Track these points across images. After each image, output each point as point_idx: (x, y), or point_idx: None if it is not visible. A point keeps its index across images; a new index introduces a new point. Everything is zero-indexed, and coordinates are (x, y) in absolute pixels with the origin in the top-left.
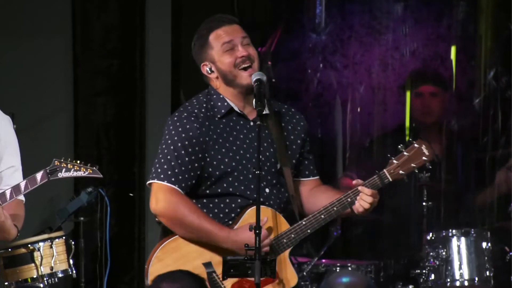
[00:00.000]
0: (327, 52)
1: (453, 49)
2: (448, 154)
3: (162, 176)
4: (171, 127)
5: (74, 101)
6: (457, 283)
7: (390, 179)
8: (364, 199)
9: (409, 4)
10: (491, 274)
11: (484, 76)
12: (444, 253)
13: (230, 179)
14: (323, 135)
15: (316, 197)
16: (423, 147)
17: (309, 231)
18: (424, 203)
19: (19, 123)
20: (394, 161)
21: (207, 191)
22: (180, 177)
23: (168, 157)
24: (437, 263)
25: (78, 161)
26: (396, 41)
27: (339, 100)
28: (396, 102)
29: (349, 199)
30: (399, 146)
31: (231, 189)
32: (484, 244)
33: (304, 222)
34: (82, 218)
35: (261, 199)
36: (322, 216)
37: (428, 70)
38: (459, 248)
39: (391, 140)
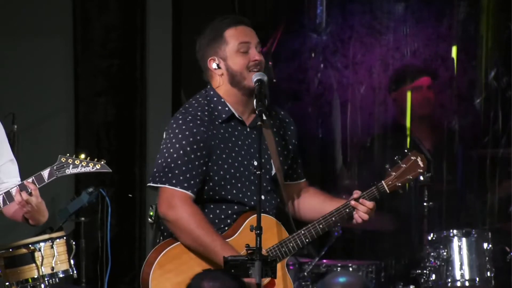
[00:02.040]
0: (327, 52)
1: (454, 49)
2: (449, 154)
3: (174, 181)
4: (176, 130)
5: (74, 101)
6: (458, 284)
7: (388, 191)
8: (363, 211)
9: (410, 4)
10: (492, 275)
11: (485, 76)
12: (445, 254)
13: (228, 186)
14: (323, 135)
15: (309, 200)
16: (419, 159)
17: (307, 240)
18: (425, 204)
19: (19, 123)
20: (392, 172)
21: (205, 196)
22: (192, 182)
23: (179, 161)
24: (438, 263)
25: (83, 156)
26: (397, 41)
27: (339, 100)
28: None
29: (347, 210)
30: (396, 158)
31: (229, 196)
32: (485, 245)
33: (303, 232)
34: (83, 218)
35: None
36: (321, 226)
37: (417, 67)
38: (460, 248)
39: (391, 140)
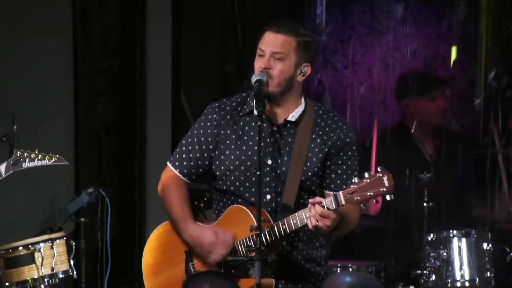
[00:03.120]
0: (327, 52)
1: (453, 49)
2: (448, 154)
3: (171, 158)
4: (198, 118)
5: (74, 101)
6: (458, 284)
7: (343, 203)
8: (313, 216)
9: (410, 4)
10: (492, 275)
11: (485, 76)
12: (444, 254)
13: (232, 177)
14: None
15: None
16: (385, 178)
17: (271, 239)
18: (424, 204)
19: (19, 123)
20: (353, 185)
21: (217, 186)
22: (184, 163)
23: (183, 142)
24: (438, 263)
25: (37, 151)
26: (397, 41)
27: (339, 100)
28: (397, 102)
29: (307, 215)
30: (366, 173)
31: (232, 188)
32: (484, 245)
33: (268, 230)
34: (82, 219)
35: (260, 205)
36: (283, 227)
37: (424, 73)
38: (459, 248)
39: (391, 141)
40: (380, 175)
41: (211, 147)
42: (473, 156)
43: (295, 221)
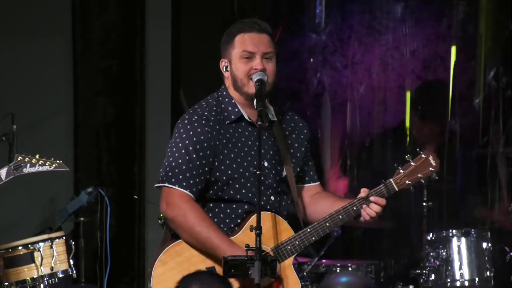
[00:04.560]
0: (327, 52)
1: (453, 49)
2: (448, 154)
3: (173, 180)
4: (181, 130)
5: (74, 101)
6: (458, 283)
7: (396, 189)
8: (371, 208)
9: (409, 4)
10: (492, 274)
11: (484, 76)
12: (444, 253)
13: (237, 185)
14: (322, 135)
15: (318, 203)
16: (430, 158)
17: (314, 238)
18: (424, 203)
19: (19, 123)
20: (401, 170)
21: (214, 196)
22: (191, 182)
23: (180, 160)
24: (437, 263)
25: (38, 156)
26: (396, 41)
27: (339, 100)
28: (396, 102)
29: (354, 208)
30: (406, 156)
31: (238, 196)
32: (484, 244)
33: (309, 230)
34: (82, 218)
35: (268, 207)
36: (328, 224)
37: (437, 89)
38: (459, 248)
39: (391, 140)
40: (425, 156)
41: (211, 159)
42: (473, 156)
43: (340, 216)
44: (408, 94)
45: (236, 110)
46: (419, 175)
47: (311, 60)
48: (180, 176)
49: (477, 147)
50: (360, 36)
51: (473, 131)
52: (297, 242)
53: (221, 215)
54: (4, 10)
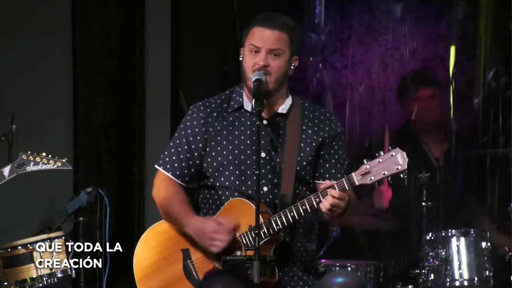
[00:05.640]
0: (326, 52)
1: (452, 49)
2: (447, 154)
3: (161, 162)
4: (183, 119)
5: (73, 101)
6: (457, 283)
7: (357, 183)
8: (327, 200)
9: (409, 4)
10: (491, 274)
11: (484, 76)
12: (443, 253)
13: (227, 172)
14: None
15: None
16: (398, 156)
17: (278, 227)
18: (423, 203)
19: (18, 123)
20: (365, 166)
21: (208, 183)
22: (176, 165)
23: (171, 144)
24: (437, 263)
25: (44, 154)
26: (396, 41)
27: (338, 100)
28: (396, 102)
29: (317, 199)
30: (378, 153)
31: (227, 183)
32: (483, 244)
33: (274, 218)
34: (81, 218)
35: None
36: (292, 214)
37: (423, 72)
38: (458, 248)
39: (391, 141)
40: (393, 153)
41: (200, 145)
42: (472, 156)
43: (304, 207)
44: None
45: (240, 99)
46: (383, 172)
47: (311, 60)
48: (167, 159)
49: (476, 147)
50: (359, 36)
51: (473, 131)
52: (262, 230)
53: (216, 203)
54: (4, 10)
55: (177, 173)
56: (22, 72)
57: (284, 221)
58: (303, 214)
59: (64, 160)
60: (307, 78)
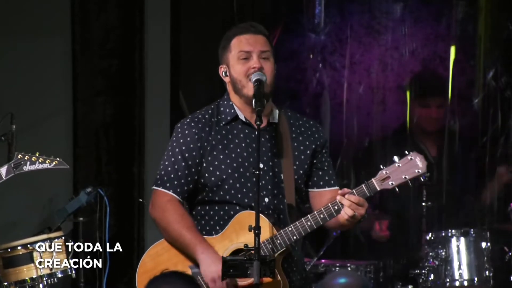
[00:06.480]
0: (326, 52)
1: (452, 49)
2: (447, 154)
3: (159, 182)
4: (174, 134)
5: (73, 101)
6: (457, 283)
7: (378, 189)
8: (347, 206)
9: (409, 4)
10: (491, 274)
11: (484, 76)
12: (443, 253)
13: (226, 186)
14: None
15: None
16: (417, 160)
17: (295, 237)
18: (423, 203)
19: (18, 123)
20: (385, 171)
21: (206, 198)
22: (175, 183)
23: (167, 163)
24: (437, 263)
25: (38, 154)
26: (396, 41)
27: (338, 100)
28: (396, 102)
29: (336, 207)
30: (394, 158)
31: (227, 197)
32: (483, 244)
33: (290, 228)
34: (81, 218)
35: (260, 208)
36: (309, 223)
37: (433, 78)
38: (458, 248)
39: (391, 141)
40: (412, 157)
41: (197, 160)
42: (472, 156)
43: (321, 216)
44: (408, 94)
45: (232, 111)
46: (403, 176)
47: (311, 59)
48: (165, 178)
49: (476, 147)
50: (359, 36)
51: (472, 131)
52: (278, 241)
53: (215, 218)
54: (4, 10)
55: (178, 190)
56: (22, 72)
57: (301, 231)
58: (321, 222)
59: (60, 159)
60: (306, 78)
